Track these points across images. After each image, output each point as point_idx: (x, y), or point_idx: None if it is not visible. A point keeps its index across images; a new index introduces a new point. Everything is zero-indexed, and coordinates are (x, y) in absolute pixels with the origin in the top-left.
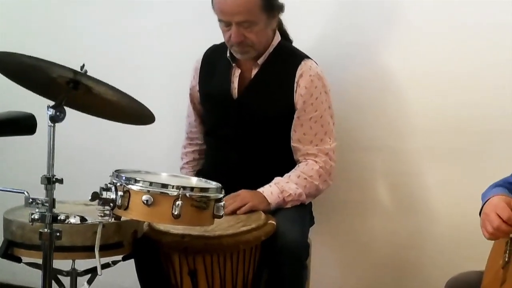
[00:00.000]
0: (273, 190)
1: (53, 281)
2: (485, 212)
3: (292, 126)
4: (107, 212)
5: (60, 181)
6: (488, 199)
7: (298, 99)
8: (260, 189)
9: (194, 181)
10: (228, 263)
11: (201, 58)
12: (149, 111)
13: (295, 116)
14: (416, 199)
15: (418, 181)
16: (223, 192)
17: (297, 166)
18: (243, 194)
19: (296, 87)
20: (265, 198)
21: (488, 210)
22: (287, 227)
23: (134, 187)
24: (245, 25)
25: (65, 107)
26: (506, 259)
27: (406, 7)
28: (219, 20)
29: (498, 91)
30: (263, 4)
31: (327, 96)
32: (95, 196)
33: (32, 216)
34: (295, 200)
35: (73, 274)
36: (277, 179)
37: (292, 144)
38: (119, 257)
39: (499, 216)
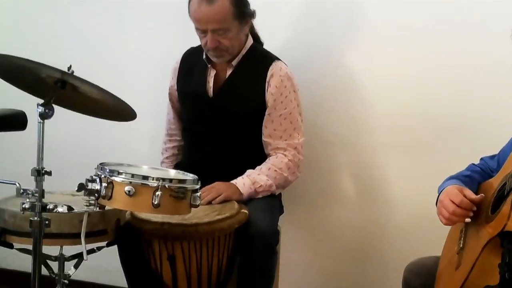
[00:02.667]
0: (245, 182)
1: (42, 266)
2: (440, 200)
3: (263, 123)
4: (92, 202)
5: (49, 173)
6: (443, 190)
7: (269, 97)
8: (234, 181)
9: (173, 173)
10: (204, 249)
11: (179, 60)
12: (131, 108)
13: (266, 113)
14: (377, 189)
15: (379, 173)
16: (199, 184)
17: (267, 159)
18: (218, 186)
19: (267, 87)
20: (238, 189)
21: (443, 198)
22: (259, 216)
23: (117, 179)
24: (220, 32)
25: (53, 105)
26: (461, 246)
27: (369, 12)
28: (196, 28)
29: (453, 91)
30: (235, 13)
31: (295, 95)
32: (81, 187)
33: (23, 206)
34: (266, 191)
35: (61, 259)
36: (249, 171)
37: (263, 139)
38: (104, 243)
39: (453, 202)
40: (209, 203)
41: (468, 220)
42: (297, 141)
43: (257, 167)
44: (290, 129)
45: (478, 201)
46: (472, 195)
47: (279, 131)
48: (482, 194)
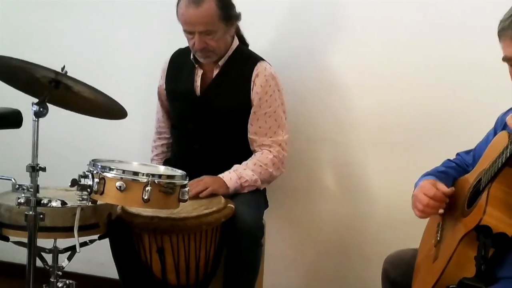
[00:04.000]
0: (232, 176)
1: (37, 258)
2: (414, 194)
3: (249, 120)
4: (85, 197)
5: (43, 169)
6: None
7: (254, 96)
8: (221, 175)
9: (162, 169)
10: (192, 242)
11: (168, 60)
12: (122, 107)
13: (251, 112)
14: (358, 185)
15: (360, 169)
16: (187, 179)
17: (253, 155)
18: (206, 179)
19: (253, 86)
20: (225, 183)
21: (417, 192)
22: (244, 210)
23: (109, 175)
24: (207, 33)
25: (47, 104)
26: (438, 239)
27: (351, 13)
28: (184, 30)
29: (431, 91)
30: (221, 15)
31: (280, 94)
32: (74, 182)
33: (19, 200)
34: (251, 185)
35: (55, 252)
36: (235, 166)
37: (249, 136)
38: (96, 237)
39: (426, 195)
40: (197, 195)
41: (441, 211)
42: (282, 138)
43: (243, 163)
44: (275, 127)
45: (450, 194)
46: (444, 188)
47: (264, 129)
48: (453, 188)
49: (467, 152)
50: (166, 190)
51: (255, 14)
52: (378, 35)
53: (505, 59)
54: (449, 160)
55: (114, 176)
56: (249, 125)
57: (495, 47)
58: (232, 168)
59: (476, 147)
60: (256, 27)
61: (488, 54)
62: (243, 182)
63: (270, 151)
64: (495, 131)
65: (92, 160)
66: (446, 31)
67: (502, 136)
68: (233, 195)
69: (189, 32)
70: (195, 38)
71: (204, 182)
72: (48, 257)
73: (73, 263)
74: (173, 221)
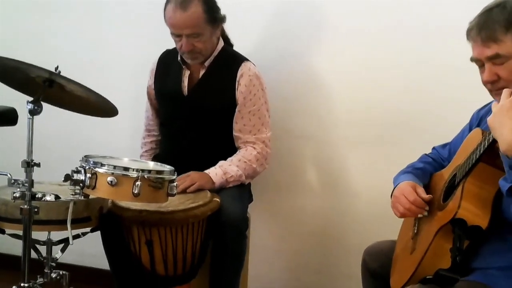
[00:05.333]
0: (217, 172)
1: (31, 250)
2: (395, 195)
3: (234, 118)
4: (78, 191)
5: (38, 164)
6: (397, 185)
7: (239, 95)
8: (207, 171)
9: (151, 165)
10: (179, 234)
11: (156, 61)
12: (113, 105)
13: (236, 110)
14: (338, 180)
15: (341, 165)
16: (175, 175)
17: (238, 151)
18: (192, 175)
19: (237, 85)
20: (211, 178)
21: (398, 194)
22: (230, 203)
23: (101, 170)
24: (193, 36)
25: (42, 102)
26: (415, 231)
27: (332, 18)
28: (171, 33)
29: (409, 89)
30: (207, 18)
31: (263, 93)
32: (67, 177)
33: (14, 195)
34: (236, 180)
35: (49, 244)
36: (221, 162)
37: (234, 133)
38: (88, 229)
39: (407, 199)
40: (184, 191)
41: (420, 215)
42: (265, 135)
43: (229, 159)
44: (259, 124)
45: (428, 201)
46: (424, 194)
47: (248, 126)
48: (431, 196)
49: (443, 146)
50: (155, 185)
51: (240, 16)
52: (358, 37)
53: (472, 59)
54: (426, 155)
55: (105, 172)
56: (234, 123)
57: (467, 48)
58: (218, 164)
59: (451, 142)
60: (241, 28)
61: (462, 54)
62: (228, 177)
63: (254, 148)
64: (470, 127)
65: (85, 156)
66: (421, 33)
67: (477, 133)
68: (219, 190)
69: (176, 35)
70: (183, 40)
71: (191, 177)
72: (42, 249)
73: (66, 254)
74: (161, 214)
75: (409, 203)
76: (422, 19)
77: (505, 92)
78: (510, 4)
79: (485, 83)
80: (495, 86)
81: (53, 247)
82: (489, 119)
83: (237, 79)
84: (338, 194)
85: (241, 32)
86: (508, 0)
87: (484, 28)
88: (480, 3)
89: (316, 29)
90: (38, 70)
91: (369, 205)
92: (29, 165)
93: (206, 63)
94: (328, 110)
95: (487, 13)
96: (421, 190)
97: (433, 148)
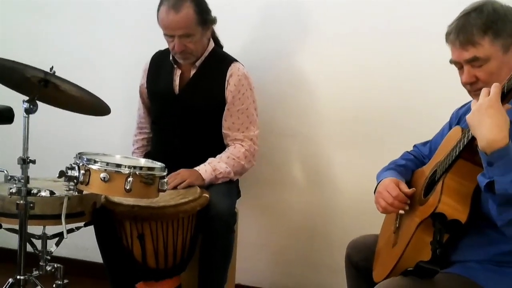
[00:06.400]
0: (207, 169)
1: (27, 243)
2: (379, 191)
3: (223, 117)
4: (72, 187)
5: (33, 161)
6: (381, 181)
7: (228, 95)
8: (197, 168)
9: (143, 161)
10: (170, 228)
11: (149, 61)
12: (106, 104)
13: (225, 109)
14: (323, 176)
15: (325, 162)
16: (166, 171)
17: (227, 149)
18: (183, 173)
19: (227, 85)
20: (201, 175)
21: (381, 189)
22: (218, 199)
23: (94, 167)
24: (185, 37)
25: (37, 101)
26: (397, 225)
27: (316, 20)
28: (164, 34)
29: (392, 89)
30: (198, 20)
31: (251, 92)
32: (61, 174)
33: (11, 190)
34: (225, 177)
35: (44, 238)
36: (210, 159)
37: (223, 131)
38: (81, 224)
39: (390, 194)
40: (175, 188)
41: (402, 212)
42: (253, 133)
43: (218, 156)
44: (247, 123)
45: (411, 195)
46: (406, 189)
47: (237, 124)
48: (414, 188)
49: (424, 143)
50: (147, 181)
51: (229, 19)
52: (342, 39)
53: (451, 62)
54: (407, 152)
55: (98, 168)
56: (223, 121)
57: (448, 50)
58: (207, 161)
59: (432, 139)
60: (231, 30)
61: (443, 56)
62: (217, 174)
63: (242, 145)
64: (450, 125)
65: (78, 153)
66: (405, 36)
67: (456, 130)
68: (208, 186)
69: (169, 36)
70: (175, 41)
71: (181, 175)
72: (38, 243)
73: (60, 248)
74: (152, 209)
75: (392, 198)
76: (405, 23)
77: (483, 91)
78: (486, 8)
79: (464, 84)
80: (473, 87)
81: (48, 241)
82: (468, 117)
83: (227, 78)
84: (323, 190)
85: (230, 34)
86: (484, 4)
87: (462, 32)
88: (460, 5)
89: (302, 32)
90: (34, 71)
91: (353, 201)
92: (25, 162)
93: (197, 63)
94: (314, 109)
95: (465, 17)
96: (403, 186)
97: (415, 146)
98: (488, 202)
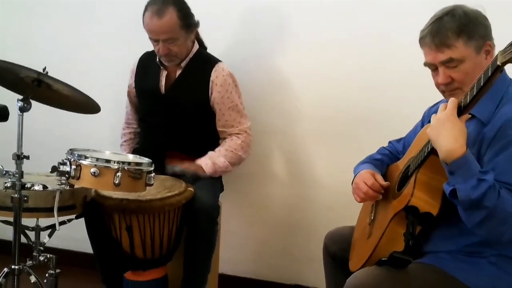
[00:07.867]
0: (207, 163)
1: (21, 235)
2: (355, 182)
3: (216, 116)
4: (63, 182)
5: (27, 157)
6: (358, 173)
7: (216, 95)
8: (198, 161)
9: (131, 157)
10: (156, 221)
11: (137, 62)
12: (96, 103)
13: (217, 109)
14: (303, 171)
15: (305, 157)
16: (153, 166)
17: (224, 141)
18: (186, 165)
19: (212, 85)
20: (202, 167)
21: (358, 180)
22: (202, 193)
23: (84, 162)
24: (169, 41)
25: (31, 100)
26: (372, 218)
27: (295, 24)
28: (149, 38)
29: (367, 89)
30: (181, 24)
31: (237, 89)
32: (54, 169)
33: (5, 184)
34: (223, 171)
35: (37, 229)
36: (210, 153)
37: (218, 129)
38: (73, 216)
39: (366, 184)
40: (176, 175)
41: (378, 199)
42: (246, 126)
43: (216, 149)
44: (238, 117)
45: (385, 186)
46: (382, 181)
47: (230, 121)
48: (388, 182)
49: (398, 140)
50: (135, 176)
51: (212, 23)
52: (319, 42)
53: (425, 64)
54: (383, 147)
55: (89, 163)
56: (217, 120)
57: (420, 52)
58: (207, 155)
59: (406, 136)
60: (214, 33)
61: (415, 58)
62: (217, 168)
63: (239, 137)
64: (422, 123)
65: (70, 149)
66: (377, 39)
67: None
68: (193, 180)
69: (154, 40)
70: (160, 45)
71: (197, 165)
72: (31, 234)
73: (53, 239)
74: (140, 202)
75: (367, 187)
76: (377, 26)
77: (442, 106)
78: (457, 12)
79: (438, 85)
80: (449, 87)
81: (41, 232)
82: (428, 131)
83: (212, 79)
84: (302, 184)
85: (214, 38)
86: (455, 9)
87: (437, 35)
88: (431, 9)
89: (281, 35)
90: (27, 71)
91: (331, 194)
92: (19, 157)
93: (182, 64)
94: (293, 107)
95: (438, 21)
96: (379, 178)
97: (389, 142)
98: (458, 206)
